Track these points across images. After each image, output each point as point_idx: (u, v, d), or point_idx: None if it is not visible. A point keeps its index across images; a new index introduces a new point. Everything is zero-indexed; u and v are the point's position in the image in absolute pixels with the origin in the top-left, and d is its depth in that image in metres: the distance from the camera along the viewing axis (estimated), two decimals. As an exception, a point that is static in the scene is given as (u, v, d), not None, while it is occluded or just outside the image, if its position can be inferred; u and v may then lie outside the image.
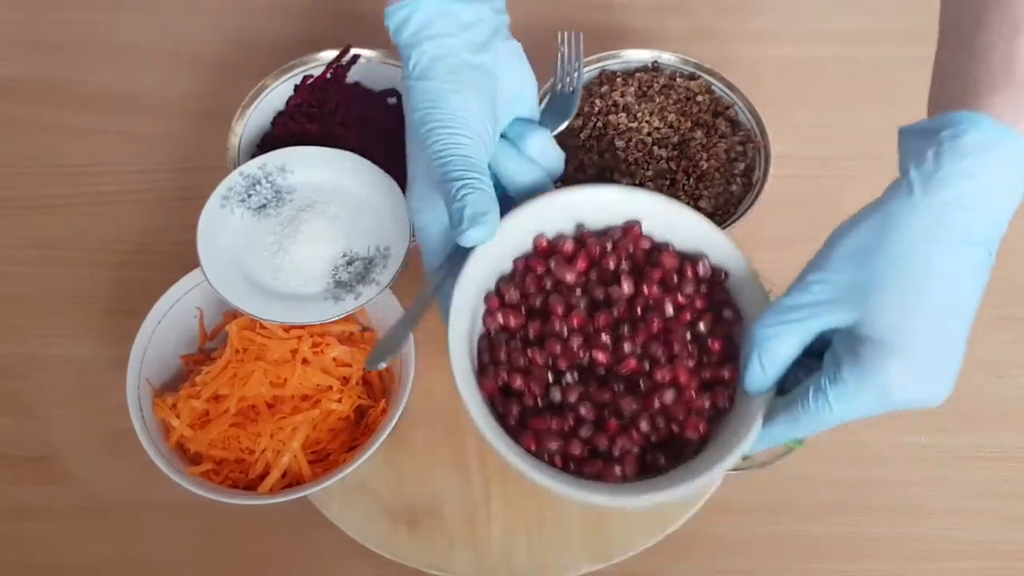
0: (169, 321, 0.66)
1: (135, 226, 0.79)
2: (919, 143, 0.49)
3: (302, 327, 0.65)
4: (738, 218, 0.72)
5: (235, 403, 0.63)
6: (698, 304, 0.58)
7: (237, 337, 0.65)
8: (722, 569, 0.66)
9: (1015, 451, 0.71)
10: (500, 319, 0.57)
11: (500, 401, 0.55)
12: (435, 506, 0.66)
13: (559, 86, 0.70)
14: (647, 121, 0.75)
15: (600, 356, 0.55)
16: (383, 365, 0.52)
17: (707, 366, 0.56)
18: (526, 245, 0.59)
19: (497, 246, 0.56)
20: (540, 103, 0.65)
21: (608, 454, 0.53)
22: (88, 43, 0.91)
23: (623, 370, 0.55)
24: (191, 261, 0.67)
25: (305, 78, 0.78)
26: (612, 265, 0.58)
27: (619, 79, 0.79)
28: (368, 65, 0.79)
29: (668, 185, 0.73)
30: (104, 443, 0.68)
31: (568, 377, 0.55)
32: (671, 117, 0.75)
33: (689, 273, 0.58)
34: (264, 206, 0.67)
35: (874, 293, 0.47)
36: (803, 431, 0.50)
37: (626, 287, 0.57)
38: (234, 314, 0.67)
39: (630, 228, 0.60)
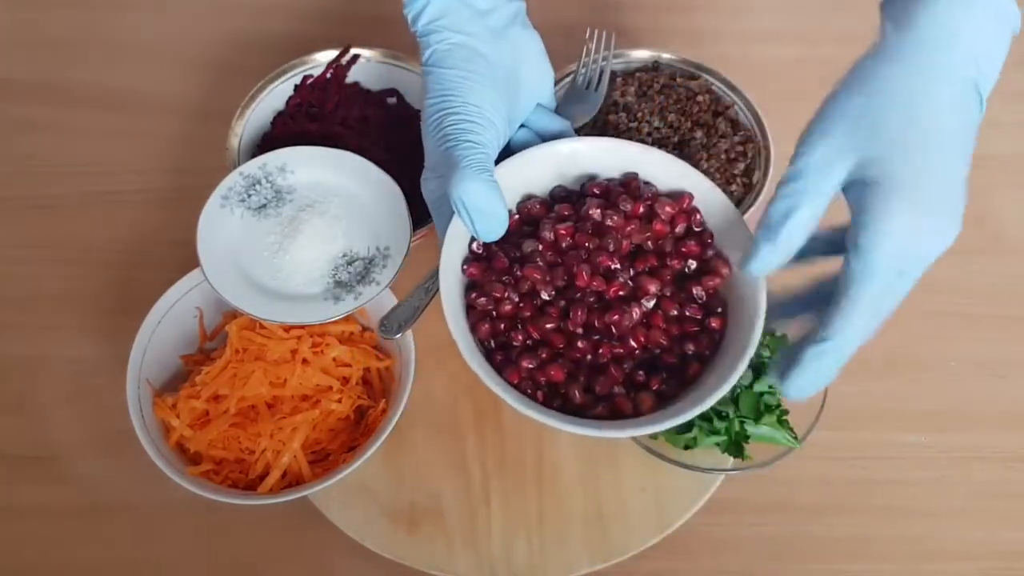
0: (169, 321, 0.66)
1: (135, 226, 0.79)
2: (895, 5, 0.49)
3: (302, 327, 0.65)
4: (738, 218, 0.72)
5: (235, 403, 0.63)
6: (692, 249, 0.58)
7: (237, 337, 0.65)
8: (722, 569, 0.66)
9: (1015, 451, 0.71)
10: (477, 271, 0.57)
11: (488, 339, 0.56)
12: (435, 506, 0.66)
13: (579, 79, 0.70)
14: (647, 121, 0.75)
15: (584, 279, 0.55)
16: (398, 336, 0.54)
17: (692, 307, 0.57)
18: (516, 195, 0.60)
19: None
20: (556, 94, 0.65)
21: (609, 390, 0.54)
22: (88, 43, 0.91)
23: (610, 294, 0.55)
24: (191, 261, 0.66)
25: (305, 78, 0.78)
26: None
27: (619, 79, 0.79)
28: (368, 65, 0.79)
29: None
30: (104, 443, 0.68)
31: (546, 295, 0.56)
32: (671, 117, 0.75)
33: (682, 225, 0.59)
34: (264, 206, 0.67)
35: (874, 133, 0.47)
36: (864, 317, 0.50)
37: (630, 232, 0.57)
38: (234, 314, 0.67)
39: (629, 181, 0.59)
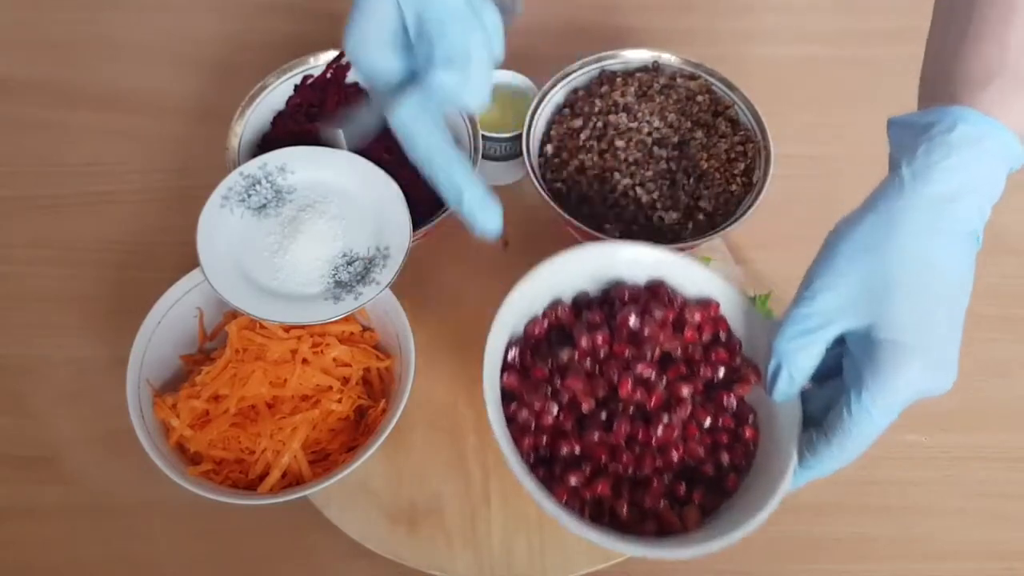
0: (169, 321, 0.66)
1: (135, 226, 0.79)
2: (909, 137, 0.49)
3: (302, 327, 0.65)
4: (738, 218, 0.72)
5: (235, 403, 0.63)
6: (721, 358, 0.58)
7: (237, 337, 0.65)
8: (722, 569, 0.66)
9: (1015, 451, 0.71)
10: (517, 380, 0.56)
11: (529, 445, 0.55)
12: (435, 506, 0.66)
13: None
14: (647, 121, 0.75)
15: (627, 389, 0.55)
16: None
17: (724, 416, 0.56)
18: (544, 302, 0.60)
19: (519, 304, 0.58)
20: None
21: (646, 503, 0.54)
22: (88, 43, 0.91)
23: (650, 405, 0.55)
24: (191, 261, 0.66)
25: (305, 78, 0.78)
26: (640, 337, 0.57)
27: (619, 79, 0.79)
28: (368, 65, 0.79)
29: (668, 185, 0.73)
30: (104, 443, 0.68)
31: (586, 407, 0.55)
32: (671, 117, 0.75)
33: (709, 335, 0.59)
34: (264, 206, 0.66)
35: (885, 296, 0.47)
36: (852, 452, 0.50)
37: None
38: (234, 314, 0.67)
39: (657, 288, 0.60)
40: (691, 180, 0.73)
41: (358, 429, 0.66)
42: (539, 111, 0.78)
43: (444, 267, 0.77)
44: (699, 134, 0.75)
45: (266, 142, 0.77)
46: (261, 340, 0.64)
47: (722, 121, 0.76)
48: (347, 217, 0.67)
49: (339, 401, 0.64)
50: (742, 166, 0.75)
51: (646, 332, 0.56)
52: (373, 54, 0.50)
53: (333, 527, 0.65)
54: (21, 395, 0.70)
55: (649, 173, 0.73)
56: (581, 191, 0.75)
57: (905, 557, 0.66)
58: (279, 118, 0.77)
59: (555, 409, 0.54)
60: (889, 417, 0.48)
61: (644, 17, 0.95)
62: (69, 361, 0.72)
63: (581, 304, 0.60)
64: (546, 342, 0.58)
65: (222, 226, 0.65)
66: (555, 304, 0.59)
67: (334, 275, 0.64)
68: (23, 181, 0.81)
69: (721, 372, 0.57)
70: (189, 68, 0.89)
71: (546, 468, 0.54)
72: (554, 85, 0.79)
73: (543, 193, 0.74)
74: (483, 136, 0.75)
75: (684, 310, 0.58)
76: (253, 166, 0.67)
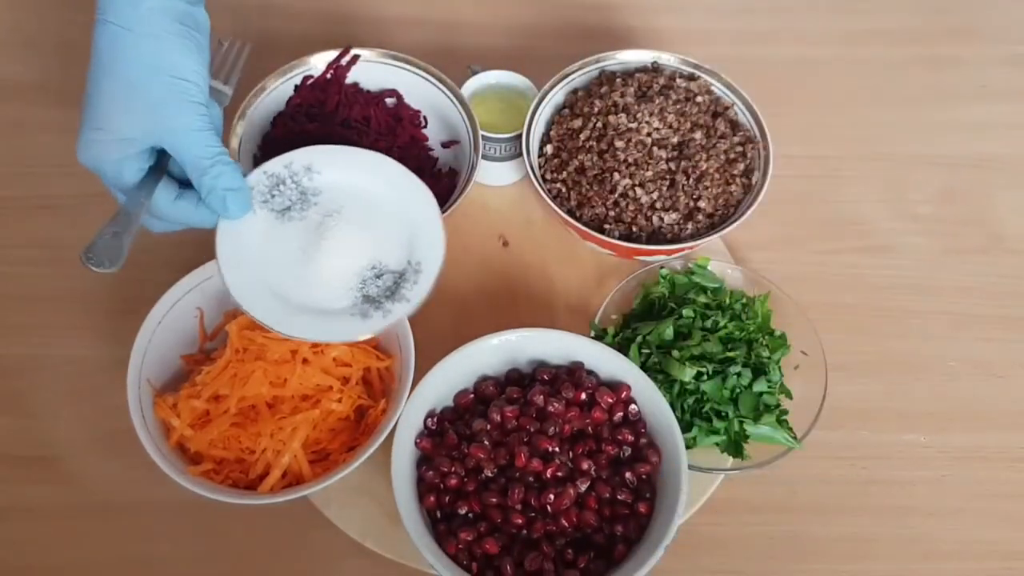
0: (169, 321, 0.66)
1: (135, 226, 0.79)
2: None
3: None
4: (738, 218, 0.72)
5: (235, 403, 0.63)
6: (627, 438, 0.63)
7: (237, 337, 0.65)
8: (722, 569, 0.66)
9: (1015, 451, 0.71)
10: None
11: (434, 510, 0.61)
12: (435, 506, 0.66)
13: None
14: (647, 122, 0.75)
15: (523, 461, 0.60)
16: (109, 270, 0.55)
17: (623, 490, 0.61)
18: (473, 376, 0.66)
19: (441, 380, 0.63)
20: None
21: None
22: (88, 43, 0.91)
23: (547, 475, 0.60)
24: (191, 261, 0.67)
25: (305, 78, 0.78)
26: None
27: (619, 79, 0.79)
28: (368, 65, 0.79)
29: (668, 185, 0.74)
30: (104, 443, 0.68)
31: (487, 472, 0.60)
32: (671, 118, 0.75)
33: (620, 415, 0.64)
34: (288, 208, 0.62)
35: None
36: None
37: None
38: (234, 314, 0.67)
39: (575, 370, 0.65)
40: (691, 181, 0.74)
41: (358, 429, 0.66)
42: (539, 111, 0.78)
43: (444, 267, 0.77)
44: (698, 135, 0.75)
45: (266, 142, 0.77)
46: (261, 340, 0.64)
47: (722, 122, 0.77)
48: (377, 226, 0.63)
49: (339, 401, 0.64)
50: (742, 167, 0.75)
51: (550, 409, 0.62)
52: (123, 167, 0.57)
53: (333, 526, 0.65)
54: (21, 395, 0.70)
55: (649, 174, 0.74)
56: (581, 191, 0.75)
57: (905, 557, 0.66)
58: (279, 118, 0.77)
59: (461, 472, 0.61)
60: None
61: (644, 17, 0.95)
62: (69, 361, 0.72)
63: (510, 380, 0.66)
64: (469, 412, 0.64)
65: (243, 228, 0.61)
66: (484, 379, 0.66)
67: (362, 288, 0.61)
68: (23, 181, 0.81)
69: (627, 451, 0.62)
70: (189, 68, 0.88)
71: (447, 524, 0.60)
72: (554, 85, 0.79)
73: (543, 193, 0.74)
74: (483, 136, 0.75)
75: (596, 392, 0.63)
76: (278, 164, 0.63)
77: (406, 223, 0.63)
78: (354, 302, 0.61)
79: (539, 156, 0.78)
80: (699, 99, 0.77)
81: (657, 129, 0.75)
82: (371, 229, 0.62)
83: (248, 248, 0.60)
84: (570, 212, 0.75)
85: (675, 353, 0.66)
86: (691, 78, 0.79)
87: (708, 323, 0.69)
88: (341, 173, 0.64)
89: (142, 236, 0.78)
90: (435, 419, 0.64)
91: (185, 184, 0.59)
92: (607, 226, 0.74)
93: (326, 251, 0.61)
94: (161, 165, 0.59)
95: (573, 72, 0.80)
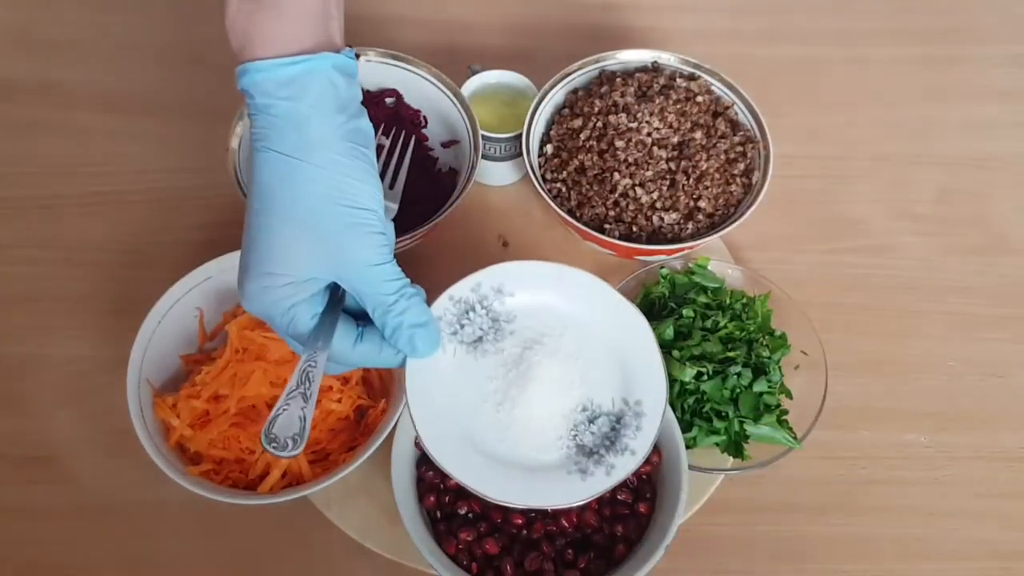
0: (169, 321, 0.66)
1: (135, 226, 0.79)
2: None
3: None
4: (738, 218, 0.72)
5: (235, 403, 0.63)
6: None
7: (237, 337, 0.65)
8: (722, 569, 0.66)
9: (1015, 451, 0.71)
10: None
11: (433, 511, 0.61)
12: (435, 506, 0.66)
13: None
14: (647, 121, 0.75)
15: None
16: (285, 453, 0.48)
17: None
18: None
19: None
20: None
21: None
22: (88, 43, 0.91)
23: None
24: (191, 261, 0.67)
25: (305, 78, 0.78)
26: None
27: (619, 79, 0.79)
28: (368, 65, 0.79)
29: (668, 185, 0.74)
30: (104, 443, 0.68)
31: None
32: (671, 117, 0.75)
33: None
34: (480, 339, 0.54)
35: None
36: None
37: None
38: (234, 313, 0.67)
39: None
40: (691, 180, 0.73)
41: (358, 429, 0.66)
42: (539, 111, 0.78)
43: (444, 267, 0.77)
44: (699, 134, 0.75)
45: (266, 142, 0.76)
46: (261, 340, 0.64)
47: (722, 121, 0.76)
48: (584, 357, 0.54)
49: (339, 401, 0.64)
50: (742, 166, 0.75)
51: None
52: (297, 313, 0.50)
53: (333, 527, 0.65)
54: (21, 395, 0.70)
55: (649, 173, 0.74)
56: (581, 191, 0.75)
57: (905, 557, 0.66)
58: (279, 118, 0.77)
59: None
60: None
61: (644, 17, 0.95)
62: (69, 361, 0.72)
63: None
64: None
65: (432, 368, 0.52)
66: None
67: (574, 437, 0.53)
68: (23, 181, 0.81)
69: None
70: (189, 68, 0.89)
71: (447, 524, 0.60)
72: (554, 85, 0.79)
73: (543, 193, 0.74)
74: (483, 136, 0.75)
75: None
76: (465, 288, 0.55)
77: (615, 352, 0.54)
78: (567, 454, 0.52)
79: (539, 156, 0.78)
80: (699, 99, 0.77)
81: (657, 129, 0.75)
82: (578, 362, 0.54)
83: (440, 392, 0.52)
84: (570, 212, 0.75)
85: (675, 353, 0.66)
86: (691, 78, 0.79)
87: (708, 323, 0.69)
88: (537, 294, 0.55)
89: (142, 236, 0.79)
90: None
91: (361, 317, 0.53)
92: (607, 226, 0.74)
93: (532, 392, 0.52)
94: (335, 300, 0.52)
95: (573, 72, 0.80)
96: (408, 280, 0.51)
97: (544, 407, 0.52)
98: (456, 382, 0.53)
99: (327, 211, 0.48)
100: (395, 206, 0.62)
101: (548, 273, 0.55)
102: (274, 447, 0.48)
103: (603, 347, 0.54)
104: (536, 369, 0.53)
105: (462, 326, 0.54)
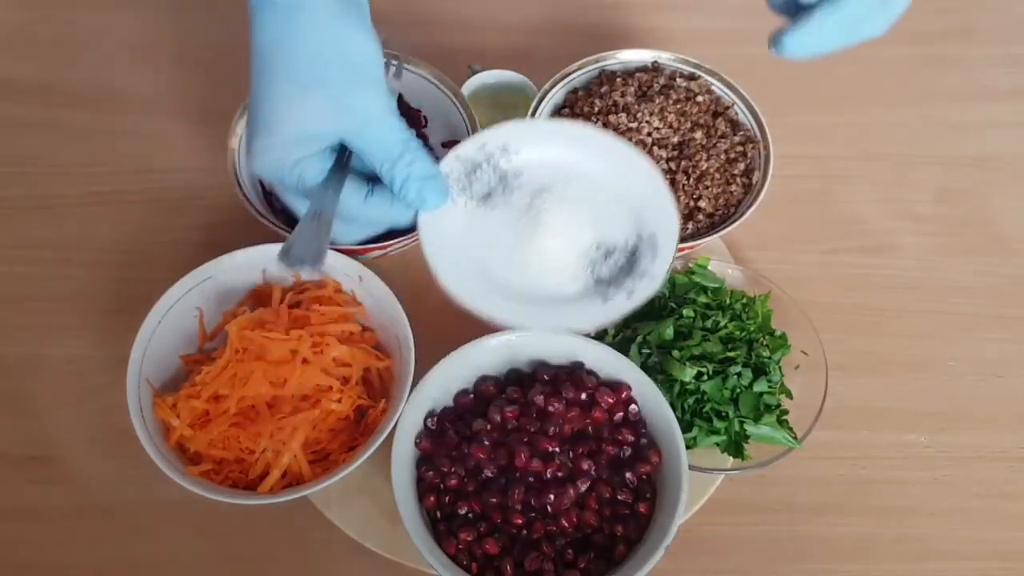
0: (169, 321, 0.66)
1: (135, 226, 0.79)
2: None
3: (302, 328, 0.65)
4: (738, 218, 0.72)
5: (235, 403, 0.63)
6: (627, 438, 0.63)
7: (237, 337, 0.65)
8: (722, 569, 0.66)
9: (1015, 451, 0.71)
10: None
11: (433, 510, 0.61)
12: (435, 506, 0.66)
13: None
14: (647, 121, 0.75)
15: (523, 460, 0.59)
16: (303, 267, 0.51)
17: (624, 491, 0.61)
18: (473, 376, 0.65)
19: (438, 380, 0.62)
20: None
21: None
22: (88, 43, 0.91)
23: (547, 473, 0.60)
24: (191, 261, 0.67)
25: (305, 78, 0.78)
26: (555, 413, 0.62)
27: (619, 79, 0.79)
28: (368, 65, 0.79)
29: (668, 185, 0.73)
30: (104, 443, 0.68)
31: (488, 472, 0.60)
32: (671, 117, 0.75)
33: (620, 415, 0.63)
34: (489, 195, 0.57)
35: None
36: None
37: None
38: (234, 314, 0.67)
39: (574, 370, 0.64)
40: (691, 180, 0.73)
41: (358, 429, 0.66)
42: (539, 111, 0.78)
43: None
44: (699, 134, 0.75)
45: (266, 142, 0.77)
46: (261, 340, 0.64)
47: (722, 121, 0.76)
48: (591, 201, 0.57)
49: (339, 401, 0.64)
50: (742, 166, 0.75)
51: (551, 409, 0.61)
52: (304, 168, 0.51)
53: (333, 527, 0.65)
54: (21, 395, 0.70)
55: (649, 173, 0.73)
56: (581, 191, 0.75)
57: (905, 557, 0.67)
58: (279, 118, 0.77)
59: (461, 472, 0.61)
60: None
61: (644, 17, 0.95)
62: (69, 361, 0.72)
63: (510, 380, 0.65)
64: (469, 412, 0.64)
65: (445, 221, 0.55)
66: (484, 379, 0.65)
67: (591, 272, 0.56)
68: (23, 181, 0.81)
69: (627, 451, 0.62)
70: (188, 68, 0.89)
71: (447, 524, 0.60)
72: (554, 85, 0.79)
73: (543, 193, 0.74)
74: (483, 136, 0.75)
75: (596, 392, 0.63)
76: (470, 148, 0.58)
77: (624, 195, 0.57)
78: (586, 286, 0.55)
79: (539, 156, 0.78)
80: (699, 99, 0.77)
81: (657, 129, 0.75)
82: (587, 206, 0.56)
83: (455, 243, 0.55)
84: (570, 212, 0.75)
85: (675, 353, 0.66)
86: (691, 78, 0.79)
87: (708, 323, 0.69)
88: (541, 150, 0.58)
89: (142, 236, 0.79)
90: (435, 419, 0.64)
91: (372, 180, 0.53)
92: (607, 226, 0.74)
93: (543, 234, 0.55)
94: (342, 163, 0.53)
95: (573, 72, 0.80)
96: (413, 132, 0.52)
97: (558, 248, 0.55)
98: (470, 234, 0.55)
99: (326, 63, 0.48)
100: (396, 84, 0.64)
101: (550, 130, 0.58)
102: (292, 262, 0.51)
103: (610, 191, 0.56)
104: (546, 215, 0.55)
105: (470, 183, 0.56)
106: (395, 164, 0.51)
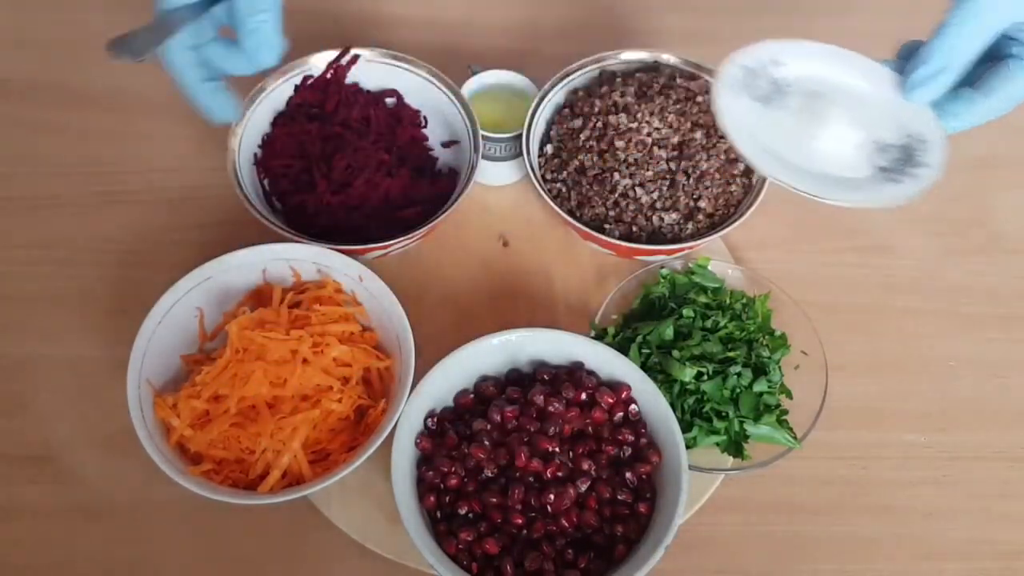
0: (169, 321, 0.66)
1: (135, 226, 0.79)
2: None
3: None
4: (738, 218, 0.72)
5: (235, 403, 0.63)
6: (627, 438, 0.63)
7: (237, 337, 0.65)
8: (722, 569, 0.66)
9: (1015, 451, 0.71)
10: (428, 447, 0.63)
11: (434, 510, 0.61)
12: (435, 506, 0.66)
13: None
14: (647, 121, 0.75)
15: (523, 460, 0.60)
16: (121, 59, 0.55)
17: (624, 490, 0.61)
18: (473, 376, 0.65)
19: (438, 380, 0.63)
20: None
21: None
22: (88, 43, 0.91)
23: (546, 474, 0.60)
24: (191, 261, 0.67)
25: (305, 78, 0.78)
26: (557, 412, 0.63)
27: (619, 79, 0.79)
28: (368, 65, 0.79)
29: (668, 185, 0.73)
30: (104, 443, 0.68)
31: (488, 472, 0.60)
32: (671, 117, 0.75)
33: (620, 414, 0.63)
34: (768, 97, 0.63)
35: None
36: (1006, 101, 0.58)
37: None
38: (234, 314, 0.67)
39: (574, 371, 0.64)
40: (691, 180, 0.74)
41: (358, 429, 0.66)
42: (539, 111, 0.78)
43: (444, 267, 0.77)
44: (699, 134, 0.75)
45: (266, 143, 0.77)
46: (261, 340, 0.64)
47: (722, 121, 0.76)
48: (859, 108, 0.62)
49: (339, 401, 0.64)
50: (742, 166, 0.75)
51: (551, 409, 0.62)
52: None
53: (333, 527, 0.65)
54: (21, 395, 0.70)
55: (649, 173, 0.74)
56: (581, 191, 0.75)
57: (905, 557, 0.67)
58: (279, 118, 0.77)
59: (461, 472, 0.61)
60: None
61: (644, 17, 0.95)
62: (69, 361, 0.72)
63: (510, 380, 0.66)
64: (469, 412, 0.64)
65: (735, 114, 0.61)
66: (484, 379, 0.66)
67: (872, 161, 0.61)
68: (23, 181, 0.81)
69: (627, 451, 0.62)
70: (189, 68, 0.88)
71: (447, 524, 0.60)
72: (554, 85, 0.79)
73: (543, 193, 0.74)
74: (483, 136, 0.75)
75: (596, 392, 0.63)
76: (748, 57, 0.64)
77: (883, 101, 0.62)
78: (873, 172, 0.60)
79: (539, 156, 0.78)
80: (699, 99, 0.77)
81: (657, 129, 0.75)
82: (856, 108, 0.62)
83: (746, 128, 0.61)
84: (570, 212, 0.75)
85: (675, 353, 0.66)
86: (691, 78, 0.79)
87: (708, 323, 0.69)
88: (807, 64, 0.64)
89: (142, 235, 0.79)
90: (435, 419, 0.64)
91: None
92: (607, 226, 0.74)
93: (824, 128, 0.61)
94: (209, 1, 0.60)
95: (573, 72, 0.80)
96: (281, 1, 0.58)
97: (840, 140, 0.60)
98: (755, 125, 0.61)
99: None
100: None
101: (811, 47, 0.64)
102: (114, 51, 0.58)
103: (872, 100, 0.62)
104: (824, 111, 0.61)
105: (747, 86, 0.62)
106: (254, 14, 0.58)
